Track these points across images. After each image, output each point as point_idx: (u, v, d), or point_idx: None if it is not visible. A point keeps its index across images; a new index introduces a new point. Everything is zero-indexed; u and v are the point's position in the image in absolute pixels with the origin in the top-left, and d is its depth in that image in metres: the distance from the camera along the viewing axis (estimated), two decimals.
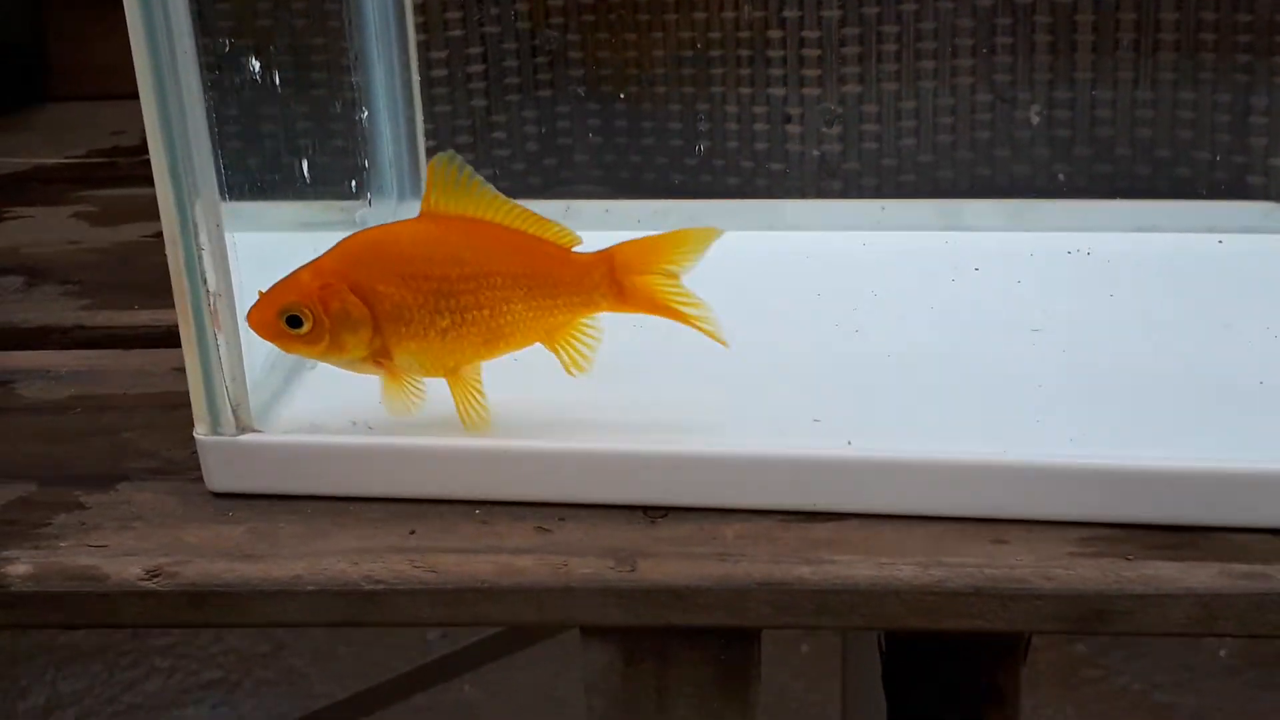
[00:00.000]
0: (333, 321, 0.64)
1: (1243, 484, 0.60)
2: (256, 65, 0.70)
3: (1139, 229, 0.84)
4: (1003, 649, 0.85)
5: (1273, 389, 0.67)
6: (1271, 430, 0.64)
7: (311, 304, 0.64)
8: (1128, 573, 0.59)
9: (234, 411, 0.64)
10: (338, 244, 0.66)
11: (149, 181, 0.61)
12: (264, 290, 0.65)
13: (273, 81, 0.73)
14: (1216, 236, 0.83)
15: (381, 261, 0.65)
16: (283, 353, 0.70)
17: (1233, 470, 0.60)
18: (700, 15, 0.87)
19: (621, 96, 0.89)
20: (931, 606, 0.59)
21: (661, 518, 0.64)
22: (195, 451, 0.66)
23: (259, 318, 0.65)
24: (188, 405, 0.65)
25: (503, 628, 0.93)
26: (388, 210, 0.86)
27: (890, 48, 0.86)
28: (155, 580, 0.61)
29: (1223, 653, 1.61)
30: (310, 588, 0.61)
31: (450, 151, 0.63)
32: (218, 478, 0.66)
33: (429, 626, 0.60)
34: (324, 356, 0.66)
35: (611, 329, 0.75)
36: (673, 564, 0.60)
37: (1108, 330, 0.73)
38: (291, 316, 0.64)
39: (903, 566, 0.60)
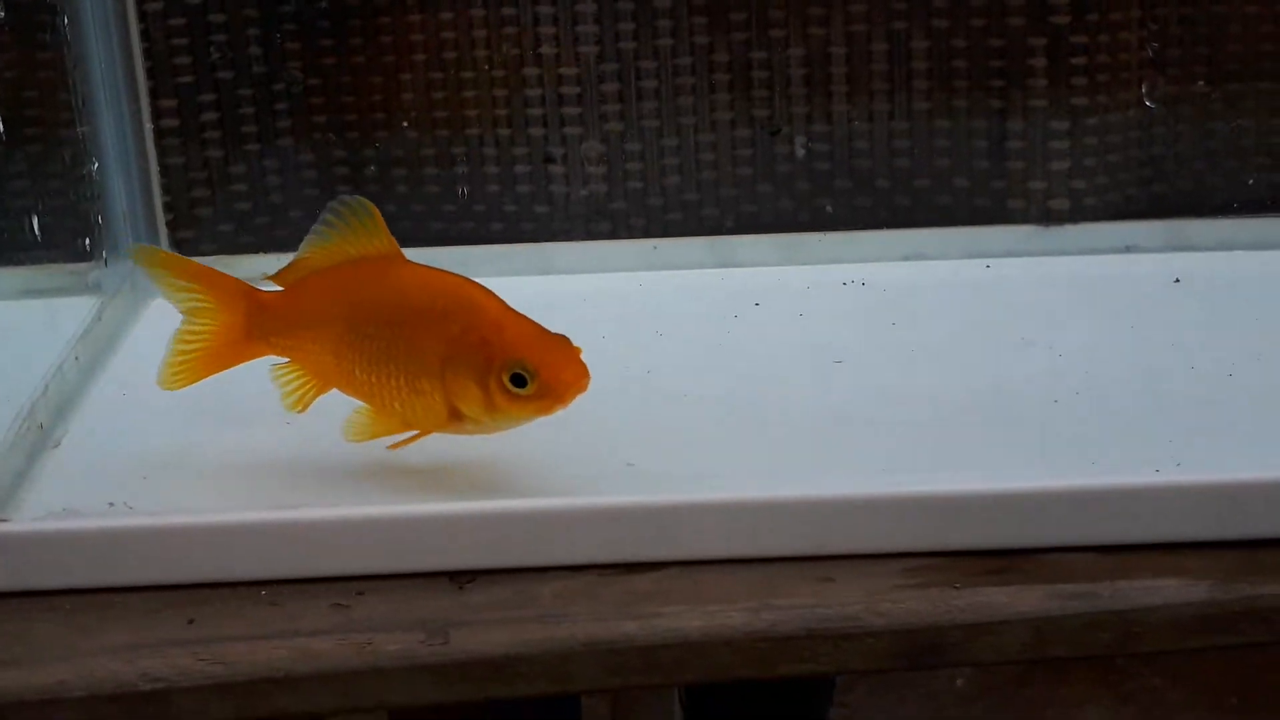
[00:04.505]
0: None
1: (1059, 503, 0.60)
2: None
3: (908, 258, 0.84)
4: (812, 694, 0.83)
5: (1066, 406, 0.67)
6: (1074, 448, 0.64)
7: None
8: (957, 601, 0.58)
9: None
10: (457, 293, 0.62)
11: None
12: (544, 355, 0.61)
13: None
14: (984, 261, 0.83)
15: None
16: (20, 432, 0.63)
17: (1048, 489, 0.60)
18: (450, 55, 0.83)
19: (372, 142, 0.84)
20: (765, 654, 0.57)
21: (470, 583, 0.59)
22: None
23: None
24: None
25: None
26: (124, 271, 0.79)
27: (650, 84, 0.84)
28: None
29: (959, 682, 1.65)
30: (79, 693, 0.53)
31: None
32: None
33: None
34: None
35: None
36: (489, 632, 0.56)
37: (897, 359, 0.73)
38: None
39: (733, 613, 0.57)
